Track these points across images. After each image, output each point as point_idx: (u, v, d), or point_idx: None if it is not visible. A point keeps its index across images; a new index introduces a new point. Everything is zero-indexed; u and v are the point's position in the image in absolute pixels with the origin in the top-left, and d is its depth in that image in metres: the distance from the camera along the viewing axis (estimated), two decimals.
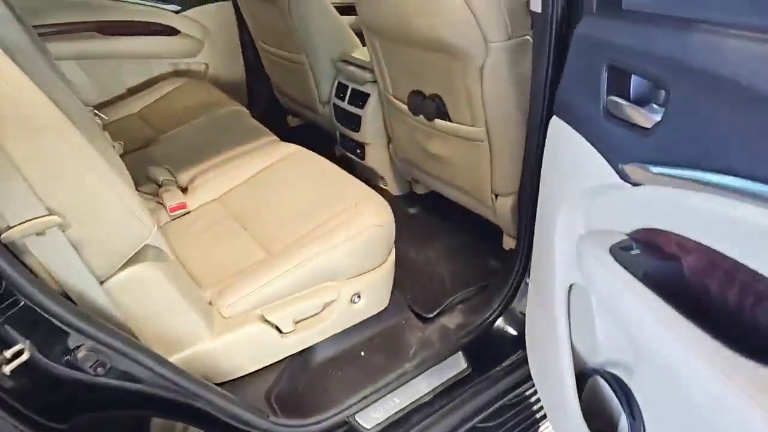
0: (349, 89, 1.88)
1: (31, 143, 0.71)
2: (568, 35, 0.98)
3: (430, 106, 1.44)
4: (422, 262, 1.63)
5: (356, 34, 1.95)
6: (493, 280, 1.49)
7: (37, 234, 0.74)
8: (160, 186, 1.47)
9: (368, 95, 1.81)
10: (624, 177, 0.75)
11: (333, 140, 2.13)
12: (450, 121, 1.44)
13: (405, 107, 1.56)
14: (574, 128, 0.86)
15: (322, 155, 2.29)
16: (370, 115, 1.82)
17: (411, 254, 1.66)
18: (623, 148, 0.74)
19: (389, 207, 1.27)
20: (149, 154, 1.67)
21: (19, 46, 1.08)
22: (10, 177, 0.71)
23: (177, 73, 2.32)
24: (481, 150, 1.40)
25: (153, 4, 2.17)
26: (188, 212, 1.38)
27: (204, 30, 2.30)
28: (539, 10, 1.00)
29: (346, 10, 2.40)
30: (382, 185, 2.03)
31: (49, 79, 1.12)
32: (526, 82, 1.23)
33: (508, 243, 1.59)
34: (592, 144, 0.81)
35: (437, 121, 1.46)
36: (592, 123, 0.81)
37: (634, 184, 0.74)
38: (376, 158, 1.92)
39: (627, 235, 0.79)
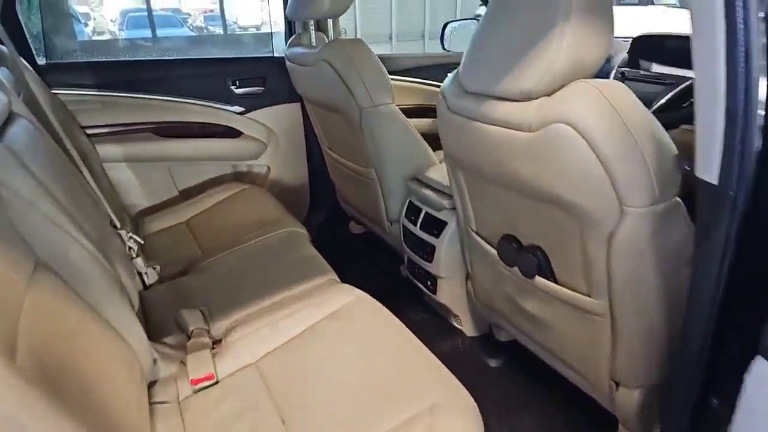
0: (423, 213, 1.60)
1: None
2: (759, 215, 0.65)
3: (529, 261, 1.12)
4: None
5: (427, 137, 1.71)
6: None
7: None
8: (189, 337, 1.21)
9: (445, 224, 1.52)
10: None
11: (399, 257, 1.85)
12: (555, 281, 1.11)
13: (492, 250, 1.25)
14: None
15: (385, 272, 2.04)
16: (446, 247, 1.52)
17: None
18: None
19: (478, 415, 0.93)
20: (186, 286, 1.43)
21: (19, 193, 0.88)
22: None
23: (236, 176, 2.17)
24: (597, 326, 1.04)
25: (216, 105, 2.04)
26: (216, 382, 1.09)
27: (268, 132, 2.14)
28: (714, 181, 0.68)
29: (417, 112, 2.20)
30: (455, 324, 1.69)
31: (49, 226, 0.91)
32: (674, 255, 0.90)
33: None
34: None
35: (538, 278, 1.13)
36: None
37: None
38: (450, 294, 1.60)
39: None
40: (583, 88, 0.85)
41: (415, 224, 1.63)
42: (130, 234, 1.42)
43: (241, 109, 2.08)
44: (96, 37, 10.94)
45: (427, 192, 1.58)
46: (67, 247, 0.93)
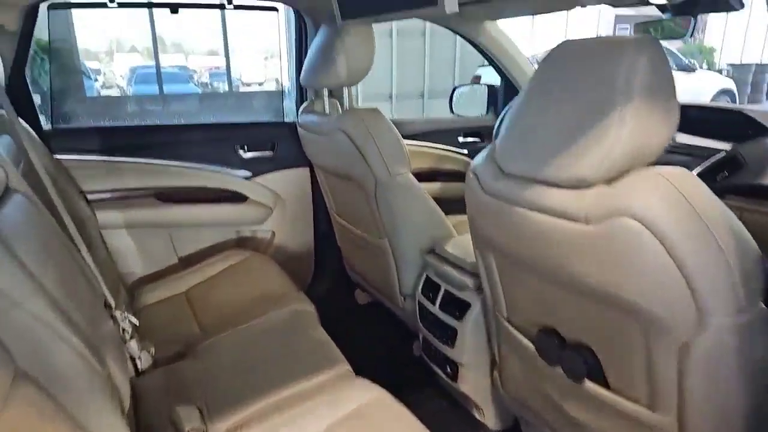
0: (442, 291, 1.47)
1: None
2: None
3: (576, 362, 0.98)
4: None
5: (438, 202, 1.60)
6: None
7: None
8: None
9: (469, 305, 1.38)
10: None
11: (409, 330, 1.70)
12: (606, 386, 0.97)
13: (528, 344, 1.11)
14: None
15: (395, 348, 1.88)
16: (471, 332, 1.38)
17: None
18: None
19: None
20: (183, 373, 1.28)
21: (4, 290, 0.77)
22: None
23: (239, 241, 2.05)
24: None
25: (222, 170, 1.95)
26: None
27: (275, 196, 2.05)
28: None
29: (427, 175, 2.11)
30: (476, 415, 1.52)
31: (35, 326, 0.79)
32: (760, 361, 0.77)
33: None
34: None
35: (587, 382, 0.99)
36: None
37: None
38: (474, 384, 1.44)
39: None
40: (648, 176, 0.76)
41: (433, 302, 1.49)
42: (125, 315, 1.29)
43: (248, 173, 1.99)
44: (105, 92, 11.24)
45: (447, 268, 1.46)
46: (53, 349, 0.80)
